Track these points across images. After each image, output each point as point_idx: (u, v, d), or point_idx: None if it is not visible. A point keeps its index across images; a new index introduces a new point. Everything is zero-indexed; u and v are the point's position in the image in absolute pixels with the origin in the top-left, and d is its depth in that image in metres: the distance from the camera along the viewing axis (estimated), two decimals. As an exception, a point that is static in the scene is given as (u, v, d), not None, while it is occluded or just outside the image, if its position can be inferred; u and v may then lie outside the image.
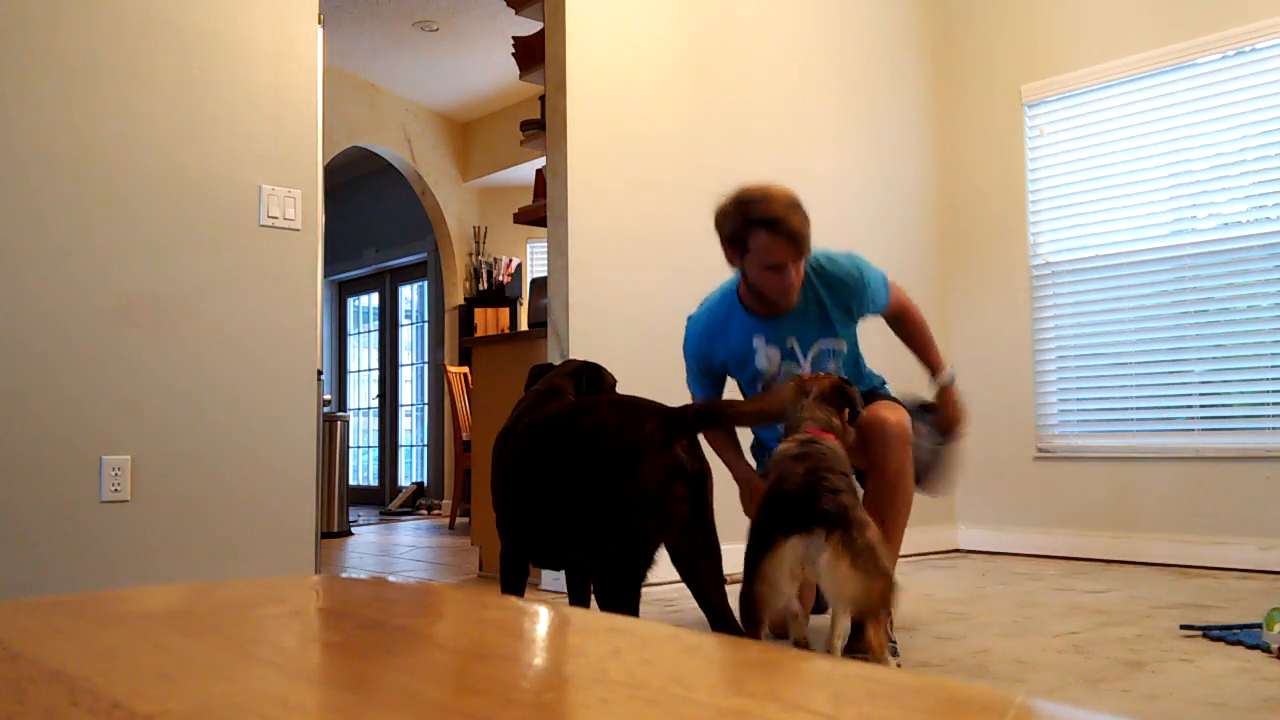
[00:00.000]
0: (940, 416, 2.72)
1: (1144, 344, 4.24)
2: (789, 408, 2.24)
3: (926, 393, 2.81)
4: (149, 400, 2.81)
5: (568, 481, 2.09)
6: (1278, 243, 3.89)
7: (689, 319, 2.76)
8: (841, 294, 2.63)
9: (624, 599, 2.02)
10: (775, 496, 1.98)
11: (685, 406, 2.17)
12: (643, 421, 2.05)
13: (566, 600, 2.61)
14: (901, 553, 2.63)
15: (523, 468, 2.24)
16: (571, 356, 3.43)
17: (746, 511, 2.65)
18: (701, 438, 2.19)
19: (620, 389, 2.60)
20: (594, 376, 2.53)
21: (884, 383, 2.85)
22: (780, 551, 1.86)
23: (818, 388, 2.24)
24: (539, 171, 4.59)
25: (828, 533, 1.84)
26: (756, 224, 2.43)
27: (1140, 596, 3.24)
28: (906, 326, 2.82)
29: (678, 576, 2.22)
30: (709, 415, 2.29)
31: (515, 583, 2.36)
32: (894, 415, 2.50)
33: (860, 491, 2.08)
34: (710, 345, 2.68)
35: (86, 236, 2.75)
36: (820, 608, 2.53)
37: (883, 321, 2.88)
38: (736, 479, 2.66)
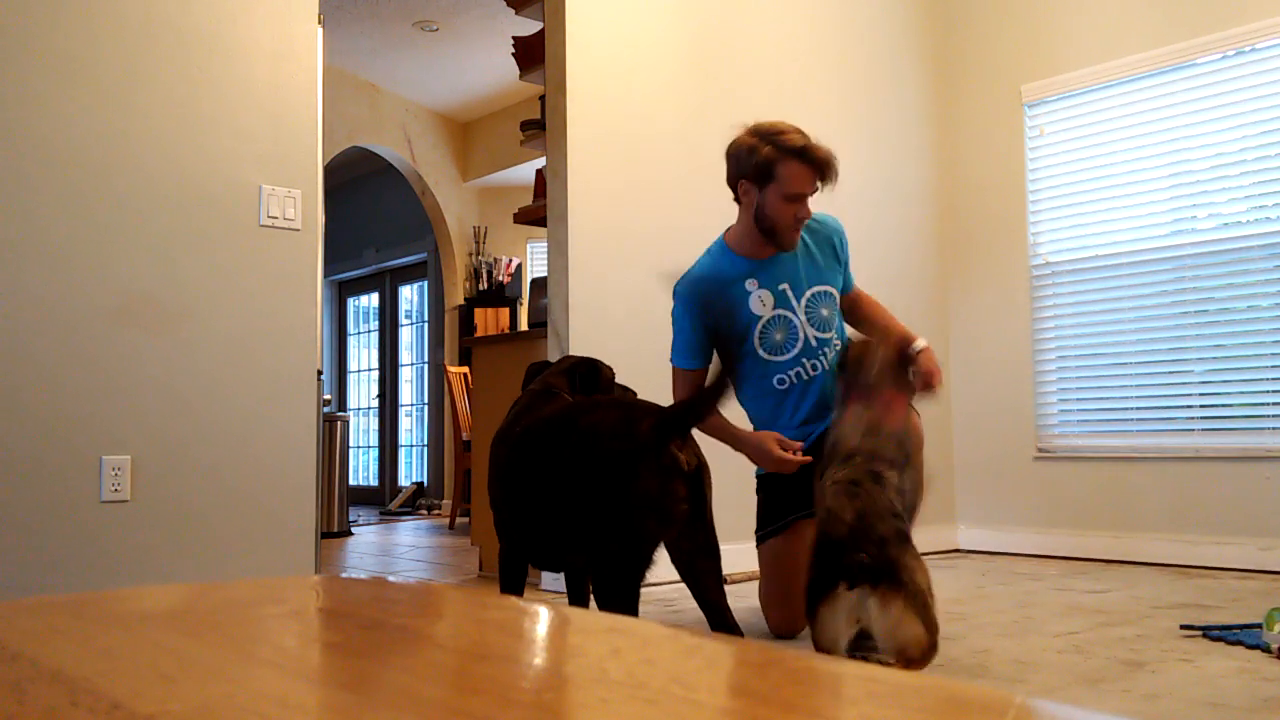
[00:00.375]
0: (920, 372, 2.70)
1: (1144, 344, 4.24)
2: (857, 374, 2.26)
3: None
4: (149, 400, 2.81)
5: (566, 483, 2.09)
6: (1278, 243, 3.89)
7: (675, 286, 2.74)
8: (827, 239, 2.74)
9: (624, 599, 2.02)
10: (823, 545, 2.02)
11: (676, 404, 2.17)
12: (639, 422, 2.06)
13: (566, 600, 2.61)
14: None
15: (520, 469, 2.24)
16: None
17: (762, 465, 2.69)
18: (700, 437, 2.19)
19: (620, 383, 2.60)
20: (589, 373, 2.53)
21: None
22: (833, 605, 1.91)
23: (882, 355, 2.27)
24: (539, 171, 4.59)
25: (872, 586, 1.89)
26: (789, 153, 2.50)
27: (1140, 596, 3.24)
28: (865, 307, 2.86)
29: (678, 576, 2.22)
30: (697, 408, 2.28)
31: (514, 583, 2.36)
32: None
33: (909, 528, 2.10)
34: (704, 291, 2.67)
35: (86, 236, 2.75)
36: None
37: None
38: (742, 447, 2.65)
